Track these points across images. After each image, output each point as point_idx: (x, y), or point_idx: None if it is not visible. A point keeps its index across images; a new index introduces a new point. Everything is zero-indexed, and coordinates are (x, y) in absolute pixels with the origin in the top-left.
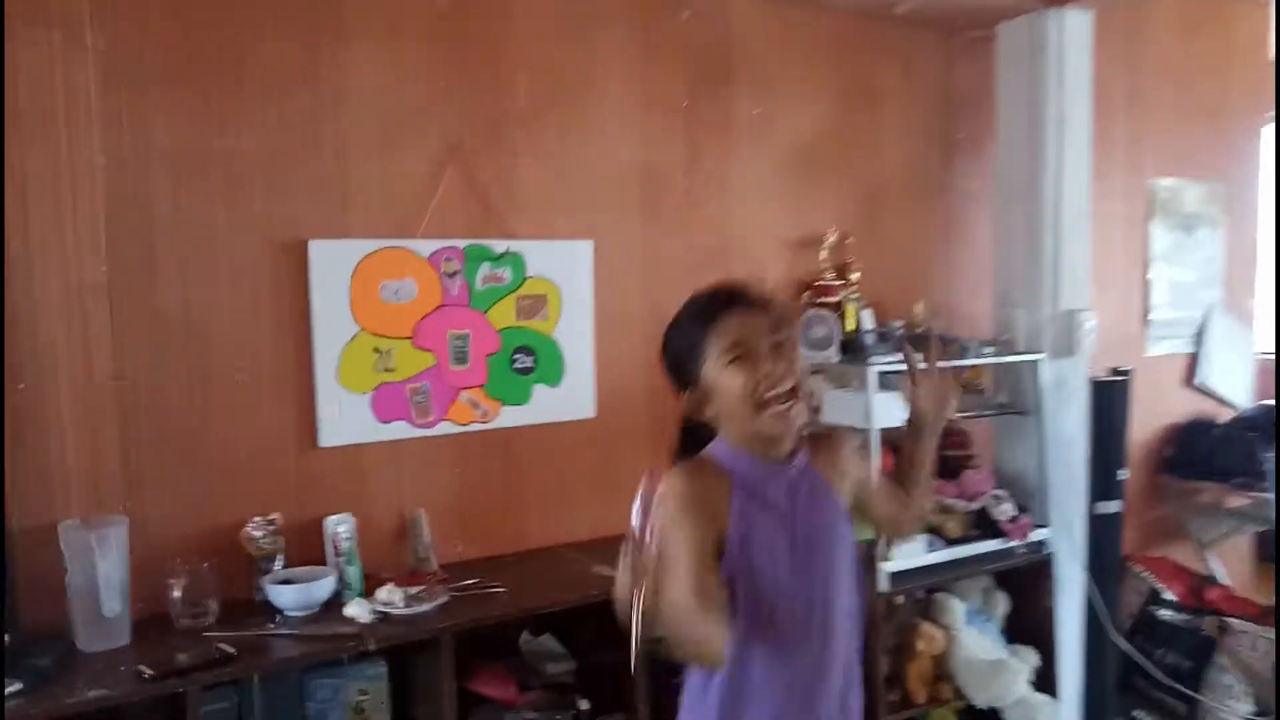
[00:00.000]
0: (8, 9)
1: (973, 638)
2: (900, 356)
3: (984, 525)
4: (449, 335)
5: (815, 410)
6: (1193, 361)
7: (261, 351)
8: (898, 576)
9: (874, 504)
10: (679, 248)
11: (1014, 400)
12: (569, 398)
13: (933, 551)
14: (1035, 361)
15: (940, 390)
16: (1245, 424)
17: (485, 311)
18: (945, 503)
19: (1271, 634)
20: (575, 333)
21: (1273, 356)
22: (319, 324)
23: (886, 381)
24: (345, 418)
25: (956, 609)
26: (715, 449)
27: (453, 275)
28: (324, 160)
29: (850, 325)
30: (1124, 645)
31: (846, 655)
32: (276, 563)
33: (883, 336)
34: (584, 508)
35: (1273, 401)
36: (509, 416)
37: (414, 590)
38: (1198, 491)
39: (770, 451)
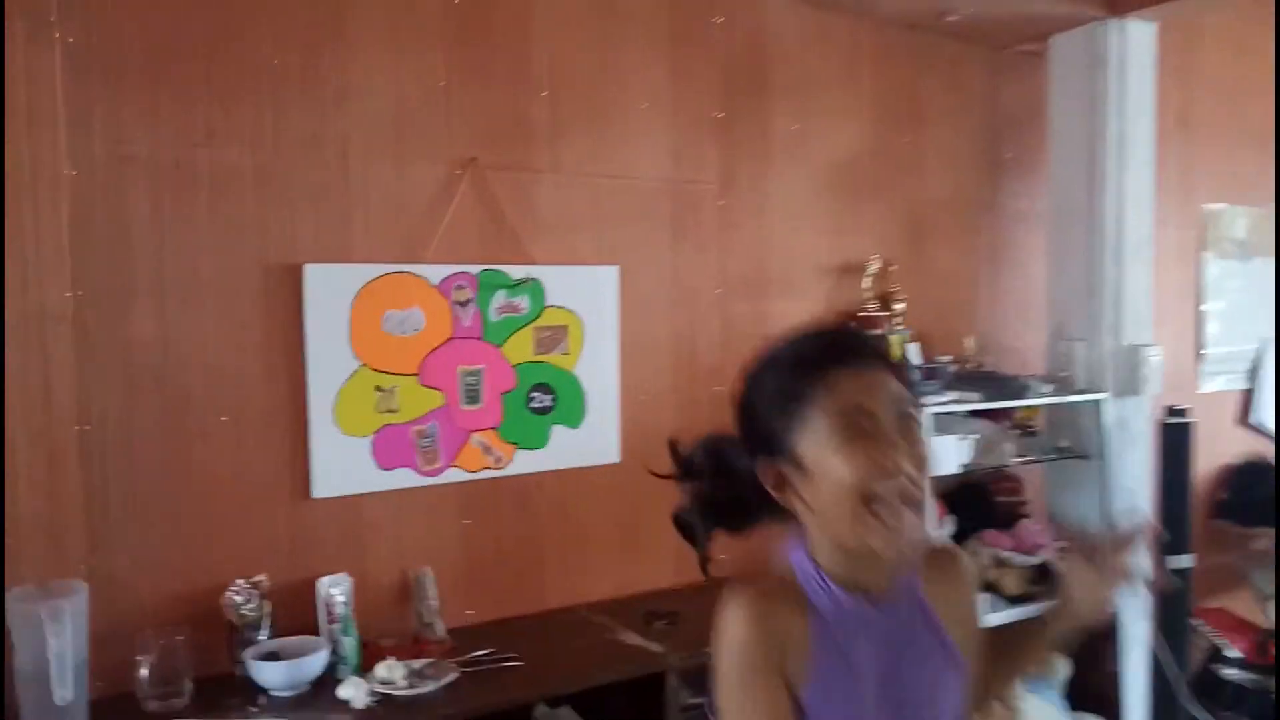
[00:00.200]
0: None
1: (1034, 706)
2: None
3: (1044, 581)
4: (459, 371)
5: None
6: (1247, 398)
7: (248, 389)
8: None
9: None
10: (712, 275)
11: (1074, 443)
12: (591, 441)
13: (993, 613)
14: (1097, 401)
15: (1102, 585)
16: None
17: (500, 345)
18: (1000, 556)
19: None
20: (599, 368)
21: None
22: (314, 358)
23: (942, 424)
24: (342, 464)
25: None
26: (792, 558)
27: (464, 304)
28: (322, 173)
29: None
30: (1198, 713)
31: None
32: (261, 632)
33: (930, 373)
34: (607, 564)
35: None
36: (525, 462)
37: (417, 665)
38: (1255, 538)
39: (865, 577)
